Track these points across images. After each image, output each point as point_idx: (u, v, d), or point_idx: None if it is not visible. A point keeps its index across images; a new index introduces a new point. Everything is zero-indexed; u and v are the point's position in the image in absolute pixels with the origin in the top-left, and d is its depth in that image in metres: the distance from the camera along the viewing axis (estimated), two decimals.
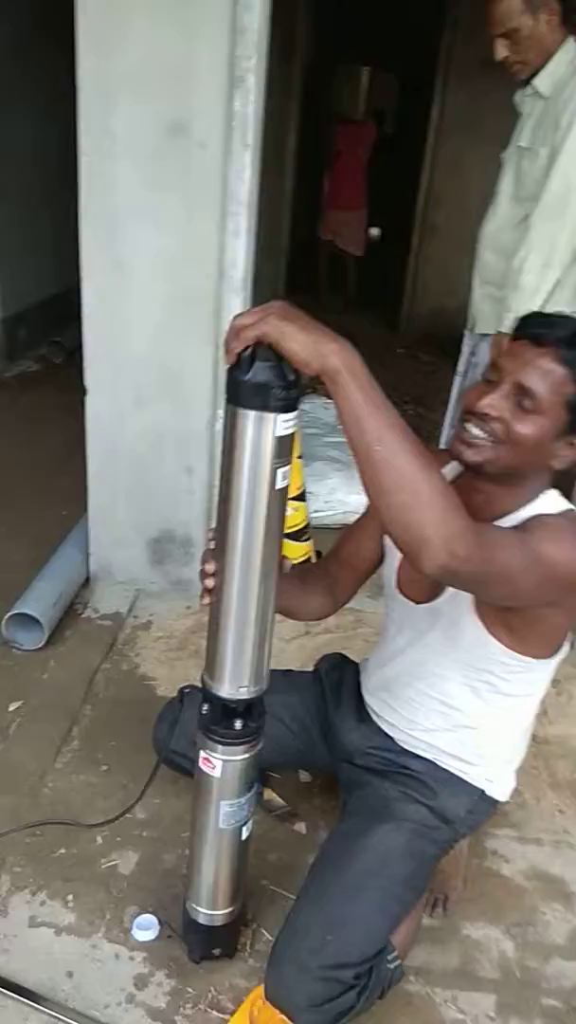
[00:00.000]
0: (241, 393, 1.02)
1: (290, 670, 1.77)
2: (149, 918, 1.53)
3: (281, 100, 5.33)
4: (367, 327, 5.43)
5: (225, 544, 1.13)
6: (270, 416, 1.03)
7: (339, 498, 2.97)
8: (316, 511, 2.91)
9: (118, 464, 2.36)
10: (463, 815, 1.43)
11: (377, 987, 1.31)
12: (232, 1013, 1.39)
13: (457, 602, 1.32)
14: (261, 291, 2.25)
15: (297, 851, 1.71)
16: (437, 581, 1.34)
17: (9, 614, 2.20)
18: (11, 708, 2.04)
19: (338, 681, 1.66)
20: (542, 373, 1.15)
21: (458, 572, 1.03)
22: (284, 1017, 1.28)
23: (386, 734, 1.51)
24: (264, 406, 1.02)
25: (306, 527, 2.62)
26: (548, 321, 1.20)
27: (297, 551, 2.64)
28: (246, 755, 1.29)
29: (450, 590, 1.33)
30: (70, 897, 1.57)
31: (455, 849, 1.60)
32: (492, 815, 1.56)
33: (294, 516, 2.63)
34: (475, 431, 1.20)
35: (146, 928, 1.51)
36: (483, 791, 1.45)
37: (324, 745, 1.62)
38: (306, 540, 2.64)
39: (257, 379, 1.00)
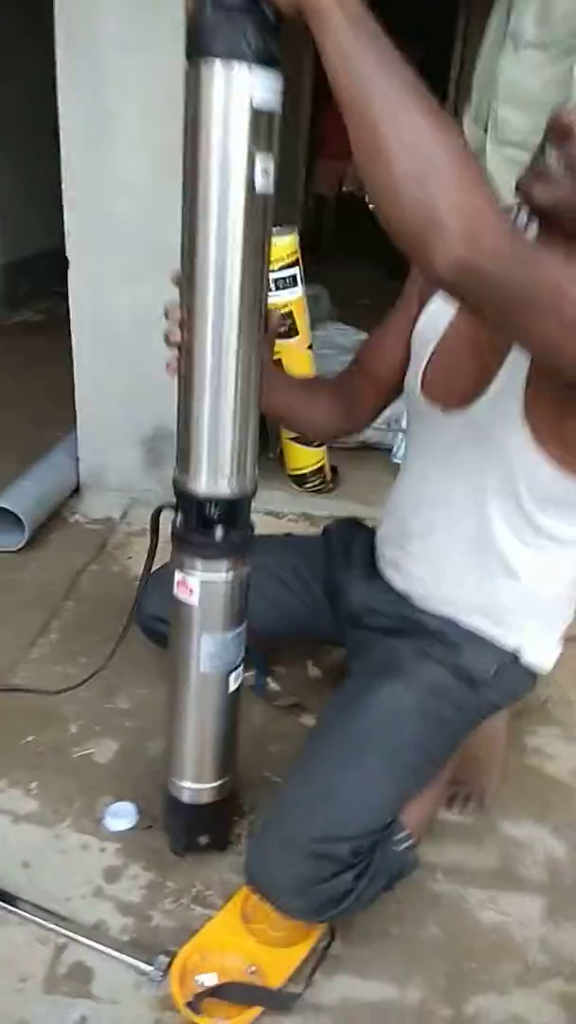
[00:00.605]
0: (203, 34, 0.78)
1: (291, 533, 1.53)
2: (125, 805, 1.29)
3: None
4: (373, 275, 5.18)
5: (193, 276, 0.89)
6: (242, 67, 0.78)
7: None
8: None
9: (106, 349, 2.13)
10: (490, 677, 1.15)
11: (383, 873, 1.05)
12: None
13: (499, 406, 1.05)
14: None
15: (302, 744, 1.44)
16: (475, 380, 1.07)
17: None
18: None
19: (348, 541, 1.41)
20: None
21: (483, 272, 0.74)
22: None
23: (399, 591, 1.25)
24: (234, 51, 0.78)
25: None
26: None
27: (309, 458, 2.40)
28: (230, 574, 1.05)
29: (491, 391, 1.06)
30: (34, 785, 1.33)
31: (490, 733, 1.34)
32: (529, 690, 1.28)
33: None
34: (552, 157, 0.92)
35: (121, 816, 1.27)
36: (516, 655, 1.18)
37: (330, 609, 1.37)
38: (318, 446, 2.40)
39: (224, 8, 0.76)
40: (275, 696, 1.57)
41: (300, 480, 2.43)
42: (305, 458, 2.40)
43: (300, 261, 2.19)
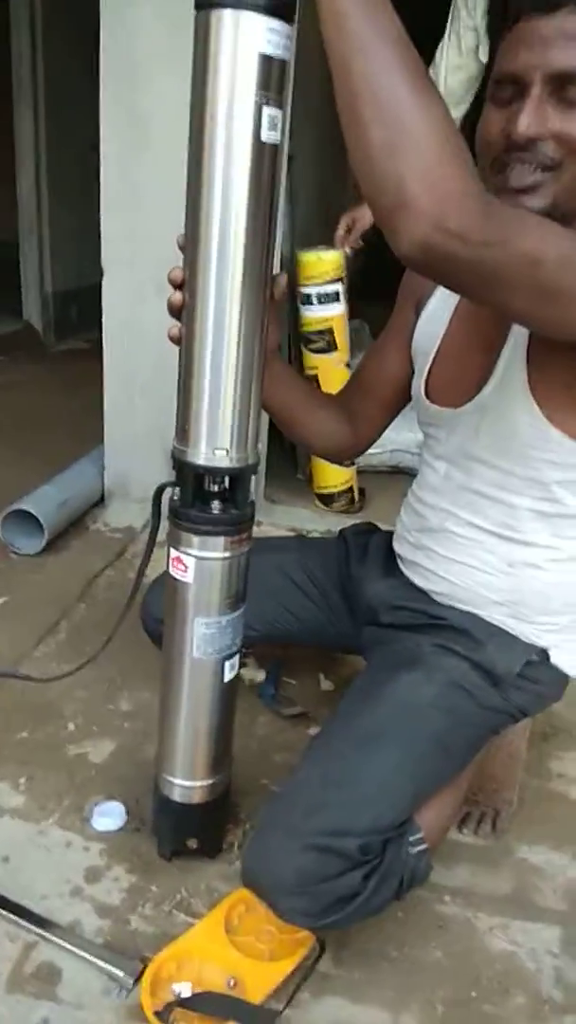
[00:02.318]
0: None
1: (304, 536, 1.47)
2: (114, 805, 1.22)
3: None
4: None
5: (196, 232, 0.87)
6: (251, 17, 0.77)
7: (388, 436, 2.65)
8: None
9: (135, 358, 2.13)
10: (515, 675, 1.07)
11: (393, 876, 0.96)
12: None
13: (505, 387, 1.00)
14: None
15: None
16: (480, 372, 1.02)
17: (6, 511, 1.97)
18: None
19: (365, 542, 1.34)
20: (566, 40, 0.81)
21: (448, 254, 0.70)
22: (270, 913, 0.95)
23: (420, 588, 1.18)
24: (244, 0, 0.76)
25: None
26: None
27: (338, 477, 2.35)
28: (228, 553, 1.00)
29: (495, 375, 1.01)
30: (23, 780, 1.28)
31: (509, 750, 1.26)
32: (558, 697, 1.17)
33: None
34: (525, 170, 0.86)
35: (109, 815, 1.20)
36: (545, 651, 1.10)
37: (345, 610, 1.30)
38: (350, 466, 2.35)
39: None
40: (283, 705, 1.49)
41: (328, 500, 2.38)
42: (334, 477, 2.36)
43: (344, 279, 2.19)
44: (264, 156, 0.83)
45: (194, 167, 0.85)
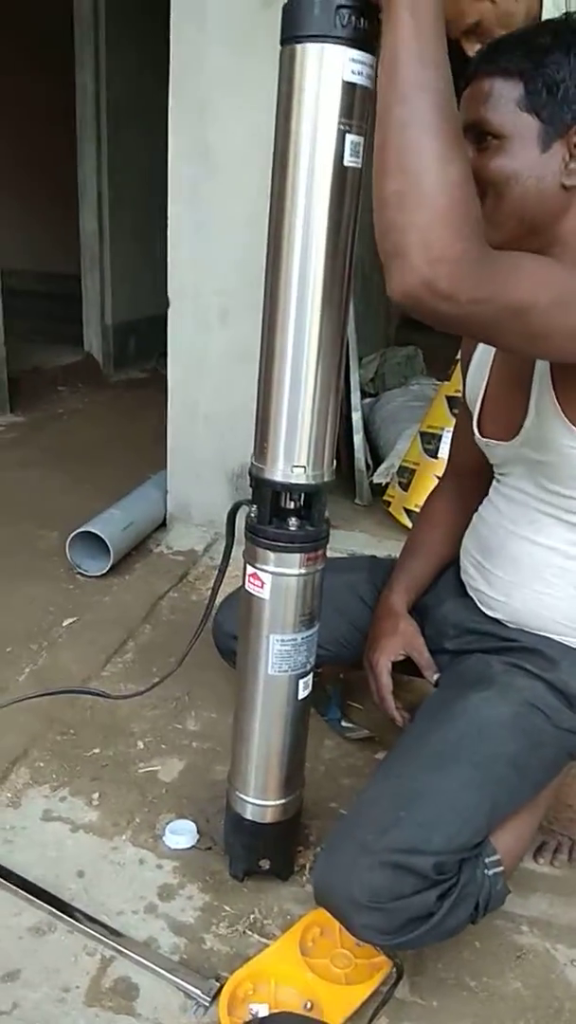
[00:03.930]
0: (297, 19, 0.80)
1: (375, 556, 1.48)
2: (186, 823, 1.23)
3: None
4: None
5: (279, 251, 0.89)
6: (334, 49, 0.80)
7: None
8: None
9: (200, 385, 2.17)
10: None
11: (468, 897, 0.94)
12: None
13: (542, 417, 1.01)
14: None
15: None
16: (523, 404, 1.03)
17: (74, 533, 2.02)
18: (65, 623, 1.82)
19: None
20: (478, 100, 0.91)
21: (434, 310, 0.76)
22: (345, 936, 0.94)
23: (489, 615, 1.17)
24: (326, 32, 0.79)
25: None
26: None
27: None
28: (303, 570, 1.00)
29: (532, 409, 1.02)
30: (96, 795, 1.29)
31: None
32: None
33: None
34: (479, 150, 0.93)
35: (181, 834, 1.21)
36: None
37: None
38: None
39: None
40: (349, 731, 1.48)
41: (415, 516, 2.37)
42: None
43: None
44: (346, 180, 0.85)
45: (277, 191, 0.87)
